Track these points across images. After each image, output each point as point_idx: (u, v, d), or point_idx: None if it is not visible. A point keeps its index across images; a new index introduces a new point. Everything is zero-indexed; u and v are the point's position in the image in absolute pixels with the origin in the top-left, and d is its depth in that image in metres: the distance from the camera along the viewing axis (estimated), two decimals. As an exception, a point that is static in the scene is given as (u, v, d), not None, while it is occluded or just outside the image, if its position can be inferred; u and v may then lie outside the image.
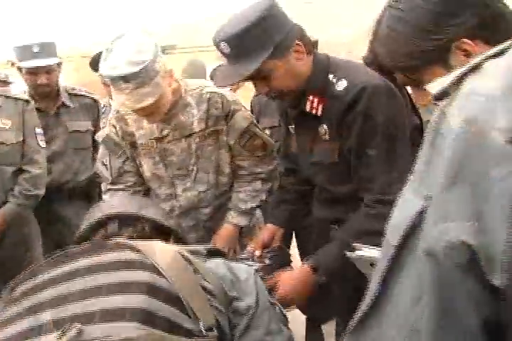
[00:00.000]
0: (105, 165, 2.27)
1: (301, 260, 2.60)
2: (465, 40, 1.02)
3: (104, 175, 2.29)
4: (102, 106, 3.32)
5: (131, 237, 1.30)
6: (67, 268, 1.13)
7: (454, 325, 0.52)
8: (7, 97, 2.73)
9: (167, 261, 1.11)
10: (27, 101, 2.77)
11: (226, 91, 2.12)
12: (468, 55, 1.03)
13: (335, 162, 1.69)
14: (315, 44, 1.74)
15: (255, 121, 2.18)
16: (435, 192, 0.54)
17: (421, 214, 0.55)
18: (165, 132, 2.08)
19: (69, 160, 3.06)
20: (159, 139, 2.09)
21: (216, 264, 1.22)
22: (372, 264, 1.24)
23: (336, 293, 1.89)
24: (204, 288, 1.12)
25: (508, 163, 0.50)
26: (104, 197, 2.31)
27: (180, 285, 1.08)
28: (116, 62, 1.82)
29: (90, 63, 3.45)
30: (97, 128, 3.16)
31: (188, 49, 6.92)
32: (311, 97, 1.67)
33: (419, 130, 1.76)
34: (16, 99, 2.74)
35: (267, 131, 2.87)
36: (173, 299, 1.06)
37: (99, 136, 2.25)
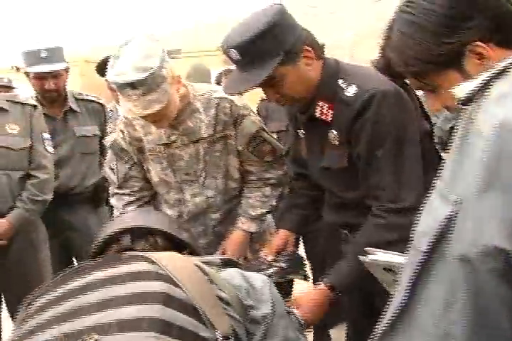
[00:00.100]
0: (112, 169, 2.27)
1: (309, 262, 2.59)
2: (478, 43, 1.01)
3: (112, 179, 2.29)
4: (108, 110, 3.33)
5: (144, 250, 1.30)
6: (82, 281, 1.14)
7: (489, 330, 0.52)
8: (15, 102, 2.73)
9: (182, 272, 1.12)
10: (34, 106, 2.77)
11: (234, 96, 2.12)
12: (481, 58, 1.02)
13: (344, 167, 1.68)
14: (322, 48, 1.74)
15: (264, 126, 2.17)
16: (467, 197, 0.54)
17: (450, 219, 0.55)
18: (173, 137, 2.08)
19: (76, 165, 3.06)
20: (167, 145, 2.09)
21: (231, 274, 1.23)
22: (385, 269, 1.24)
23: (346, 298, 1.88)
24: (220, 298, 1.13)
25: None
26: (111, 200, 2.31)
27: (196, 295, 1.08)
28: (123, 68, 1.82)
29: (96, 68, 3.46)
30: (103, 132, 3.17)
31: (193, 53, 6.91)
32: (320, 103, 1.67)
33: (429, 135, 1.75)
34: (24, 104, 2.74)
35: (274, 136, 2.87)
36: (189, 308, 1.07)
37: (108, 140, 2.25)
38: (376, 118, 1.57)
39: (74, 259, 3.20)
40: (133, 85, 1.80)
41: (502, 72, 0.56)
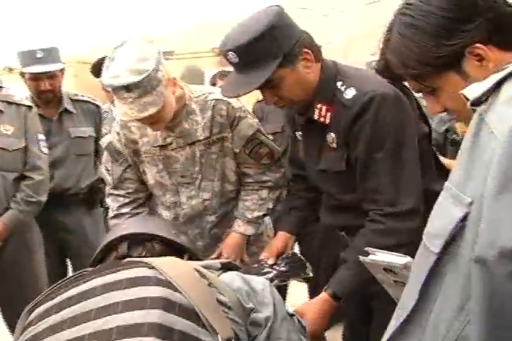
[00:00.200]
0: (108, 170, 2.26)
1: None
2: (478, 45, 1.02)
3: (108, 180, 2.29)
4: (103, 111, 3.32)
5: (141, 256, 1.30)
6: (81, 288, 1.14)
7: (504, 331, 0.52)
8: (9, 103, 2.71)
9: (182, 276, 1.13)
10: (29, 107, 2.76)
11: (231, 98, 2.10)
12: (481, 60, 1.03)
13: (342, 170, 1.68)
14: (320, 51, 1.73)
15: (262, 129, 2.16)
16: (479, 199, 0.54)
17: (463, 221, 0.55)
18: (169, 140, 2.07)
19: (71, 167, 3.05)
20: (163, 147, 2.08)
21: (231, 277, 1.23)
22: (385, 269, 1.24)
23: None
24: (220, 302, 1.13)
25: None
26: (107, 200, 2.31)
27: (196, 300, 1.08)
28: (118, 71, 1.80)
29: (91, 69, 3.45)
30: (99, 134, 3.15)
31: (186, 55, 6.91)
32: (319, 105, 1.67)
33: (428, 137, 1.76)
34: (18, 104, 2.73)
35: (270, 137, 2.86)
36: (189, 313, 1.07)
37: (104, 141, 2.24)
38: (375, 120, 1.57)
39: (68, 260, 3.19)
40: (128, 88, 1.78)
41: None
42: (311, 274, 1.85)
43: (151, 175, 2.14)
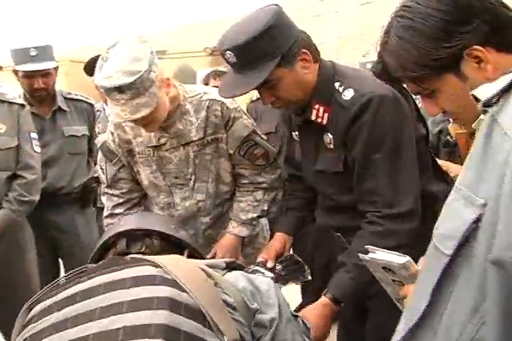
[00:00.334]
0: (102, 169, 2.25)
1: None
2: (477, 47, 1.02)
3: (102, 179, 2.28)
4: (96, 110, 3.30)
5: (139, 253, 1.29)
6: (84, 285, 1.12)
7: None
8: (2, 101, 2.68)
9: (187, 276, 1.11)
10: (22, 105, 2.73)
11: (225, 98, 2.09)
12: (479, 61, 1.03)
13: (339, 171, 1.68)
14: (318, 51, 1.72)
15: (257, 130, 2.14)
16: (493, 200, 0.54)
17: (477, 223, 0.55)
18: (162, 140, 2.05)
19: (64, 166, 3.02)
20: (157, 147, 2.06)
21: (235, 277, 1.22)
22: (384, 268, 1.24)
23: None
24: (225, 302, 1.12)
25: None
26: (102, 198, 2.30)
27: (202, 300, 1.07)
28: (110, 71, 1.78)
29: (85, 67, 3.44)
30: (92, 132, 3.14)
31: (178, 54, 6.89)
32: (316, 106, 1.66)
33: (425, 139, 1.76)
34: (11, 103, 2.70)
35: (265, 138, 2.86)
36: (195, 314, 1.06)
37: (99, 140, 2.23)
38: (373, 121, 1.56)
39: (60, 260, 3.17)
40: (120, 89, 1.76)
41: None
42: (309, 277, 1.83)
43: (145, 176, 2.13)
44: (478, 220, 0.55)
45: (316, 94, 1.66)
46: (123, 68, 1.77)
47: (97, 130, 3.15)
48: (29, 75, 2.87)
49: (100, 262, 1.24)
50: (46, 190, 2.83)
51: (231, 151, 2.08)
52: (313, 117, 1.68)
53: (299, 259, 1.88)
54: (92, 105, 3.21)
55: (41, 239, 2.90)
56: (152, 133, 2.04)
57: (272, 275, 1.80)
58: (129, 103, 1.79)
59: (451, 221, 0.60)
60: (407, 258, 1.20)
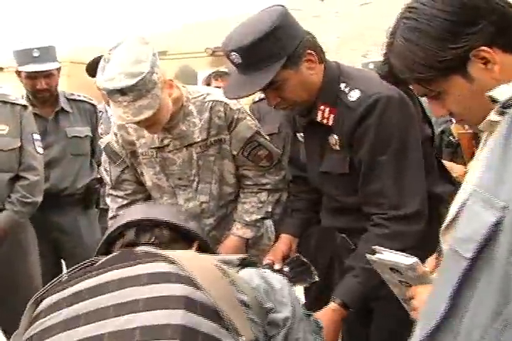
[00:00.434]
0: (106, 170, 2.25)
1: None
2: (483, 47, 1.02)
3: (106, 180, 2.28)
4: (98, 111, 3.30)
5: (148, 243, 1.26)
6: (96, 279, 1.09)
7: None
8: (4, 102, 2.68)
9: (203, 273, 1.09)
10: (24, 106, 2.73)
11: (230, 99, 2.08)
12: (486, 62, 1.02)
13: (345, 173, 1.67)
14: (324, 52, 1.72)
15: (261, 131, 2.13)
16: None
17: (498, 225, 0.54)
18: (166, 141, 2.04)
19: (67, 167, 3.02)
20: (160, 148, 2.05)
21: (250, 274, 1.19)
22: (391, 268, 1.24)
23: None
24: (240, 301, 1.09)
25: None
26: (106, 200, 2.30)
27: (218, 299, 1.05)
28: (112, 73, 1.78)
29: (87, 68, 3.43)
30: (95, 133, 3.13)
31: (179, 55, 6.89)
32: (322, 107, 1.66)
33: (430, 140, 1.75)
34: (14, 104, 2.70)
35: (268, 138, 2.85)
36: (211, 313, 1.03)
37: (103, 141, 2.23)
38: (380, 123, 1.56)
39: (63, 261, 3.17)
40: (122, 91, 1.76)
41: None
42: (316, 279, 1.83)
43: (148, 177, 2.12)
44: (498, 223, 0.55)
45: (321, 95, 1.65)
46: (125, 70, 1.77)
47: (99, 131, 3.15)
48: (32, 76, 2.86)
49: (111, 255, 1.20)
50: (49, 191, 2.83)
51: (235, 152, 2.07)
52: (318, 118, 1.68)
53: (306, 260, 1.87)
54: (94, 106, 3.20)
55: (44, 240, 2.89)
56: (155, 135, 2.03)
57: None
58: (131, 105, 1.78)
59: (468, 224, 0.59)
60: (415, 259, 1.20)
